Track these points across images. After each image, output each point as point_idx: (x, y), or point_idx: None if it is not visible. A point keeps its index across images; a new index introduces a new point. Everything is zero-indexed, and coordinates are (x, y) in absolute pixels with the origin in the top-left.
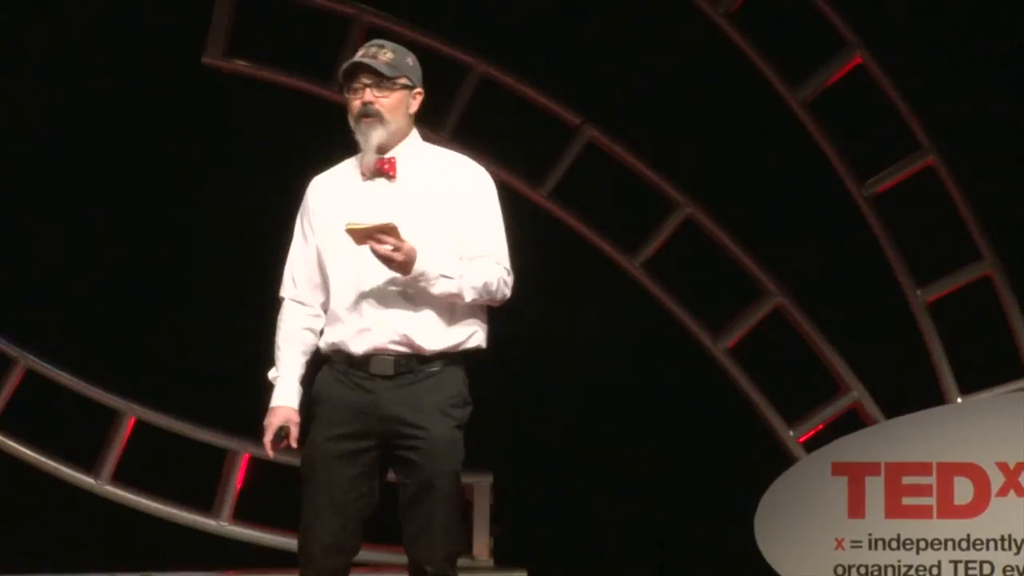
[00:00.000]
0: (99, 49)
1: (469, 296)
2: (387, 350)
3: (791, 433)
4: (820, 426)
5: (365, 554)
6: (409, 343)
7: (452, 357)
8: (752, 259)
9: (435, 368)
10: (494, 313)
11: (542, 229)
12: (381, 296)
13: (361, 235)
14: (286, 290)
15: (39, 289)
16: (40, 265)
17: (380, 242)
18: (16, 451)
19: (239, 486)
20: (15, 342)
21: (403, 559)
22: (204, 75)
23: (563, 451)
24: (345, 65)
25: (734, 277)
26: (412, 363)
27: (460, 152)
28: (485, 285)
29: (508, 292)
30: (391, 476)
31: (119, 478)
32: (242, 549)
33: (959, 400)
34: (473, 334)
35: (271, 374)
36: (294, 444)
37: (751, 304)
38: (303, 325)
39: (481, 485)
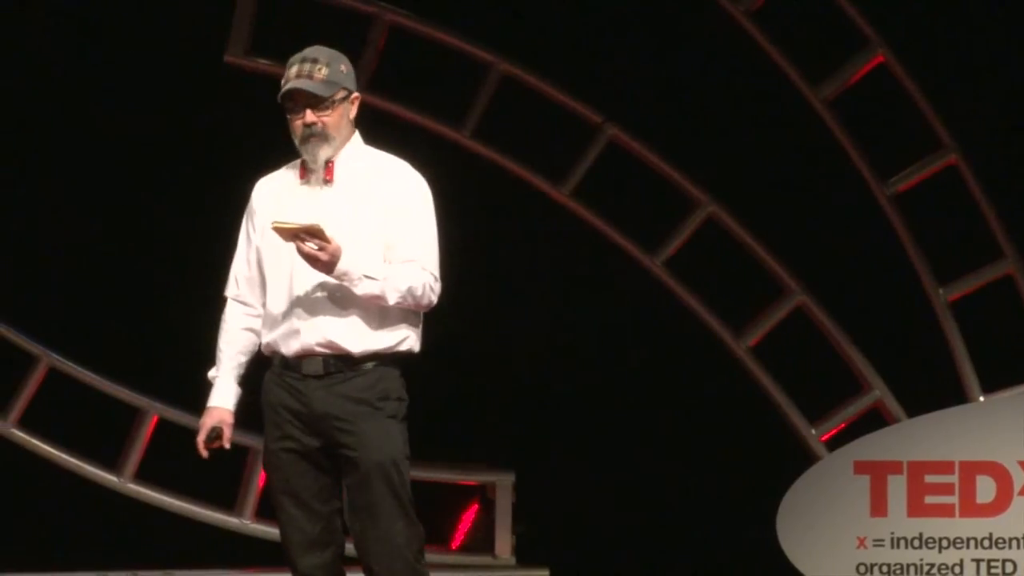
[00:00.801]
0: (123, 48)
1: (393, 298)
2: (315, 352)
3: (813, 432)
4: (842, 425)
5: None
6: (334, 346)
7: (383, 359)
8: (774, 257)
9: (366, 368)
10: (519, 312)
11: (563, 228)
12: (311, 298)
13: (287, 234)
14: (229, 289)
15: (62, 287)
16: (63, 263)
17: (305, 242)
18: (39, 449)
19: (261, 484)
20: (38, 340)
21: None
22: (226, 73)
23: (584, 450)
24: (282, 91)
25: (756, 276)
26: (341, 364)
27: (481, 151)
28: (410, 289)
29: (435, 298)
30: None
31: (142, 476)
32: (264, 547)
33: (981, 399)
34: (404, 339)
35: (210, 374)
36: (227, 444)
37: (773, 303)
38: (243, 325)
39: (503, 484)
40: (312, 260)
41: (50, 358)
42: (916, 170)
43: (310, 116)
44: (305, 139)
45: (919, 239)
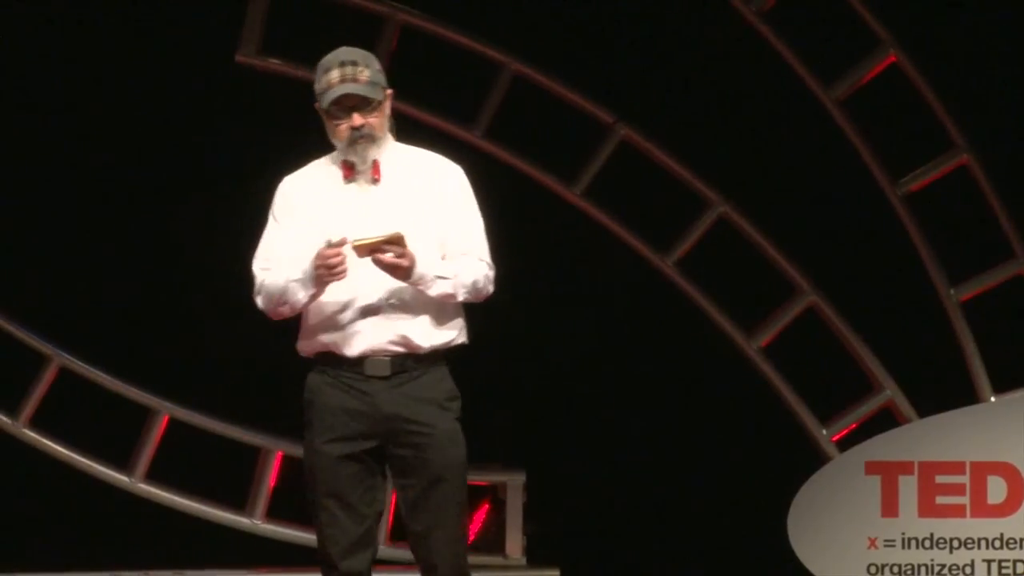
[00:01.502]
0: (134, 48)
1: (462, 295)
2: (384, 351)
3: (824, 432)
4: (853, 425)
5: (393, 552)
6: (406, 343)
7: (441, 355)
8: (785, 258)
9: (428, 366)
10: (531, 313)
11: (575, 228)
12: (376, 298)
13: (365, 250)
14: (260, 272)
15: (73, 287)
16: (73, 263)
17: (384, 251)
18: (50, 449)
19: (272, 484)
20: (49, 340)
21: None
22: (238, 72)
23: (596, 450)
24: (334, 96)
25: (767, 276)
26: (407, 362)
27: (493, 152)
28: (474, 283)
29: (491, 288)
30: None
31: (152, 476)
32: (275, 547)
33: (992, 399)
34: (460, 331)
35: (289, 279)
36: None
37: (784, 303)
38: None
39: (514, 484)
40: (392, 269)
41: (61, 358)
42: (928, 170)
43: (358, 119)
44: (353, 141)
45: (931, 239)
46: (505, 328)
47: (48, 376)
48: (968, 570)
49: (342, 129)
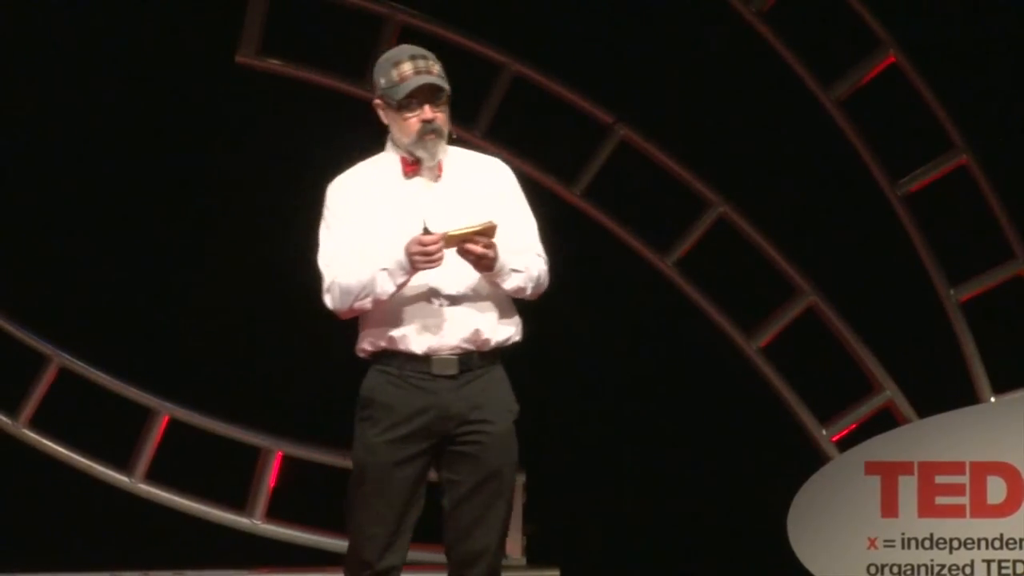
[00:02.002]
0: (135, 48)
1: (530, 289)
2: (452, 347)
3: (824, 432)
4: (853, 425)
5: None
6: (475, 338)
7: (500, 352)
8: (785, 258)
9: (491, 364)
10: (526, 311)
11: (575, 228)
12: (449, 293)
13: (456, 240)
14: (332, 270)
15: (73, 287)
16: (73, 263)
17: (475, 243)
18: (50, 449)
19: (272, 484)
20: (49, 340)
21: (423, 557)
22: (237, 73)
23: (595, 450)
24: (409, 86)
25: (767, 276)
26: (472, 360)
27: (493, 152)
28: (538, 277)
29: (547, 283)
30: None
31: (153, 476)
32: (275, 548)
33: (992, 399)
34: (519, 328)
35: (377, 268)
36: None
37: (784, 303)
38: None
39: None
40: (478, 259)
41: (61, 358)
42: (927, 171)
43: (429, 112)
44: (422, 135)
45: (930, 240)
46: None
47: (48, 376)
48: (968, 570)
49: (412, 123)
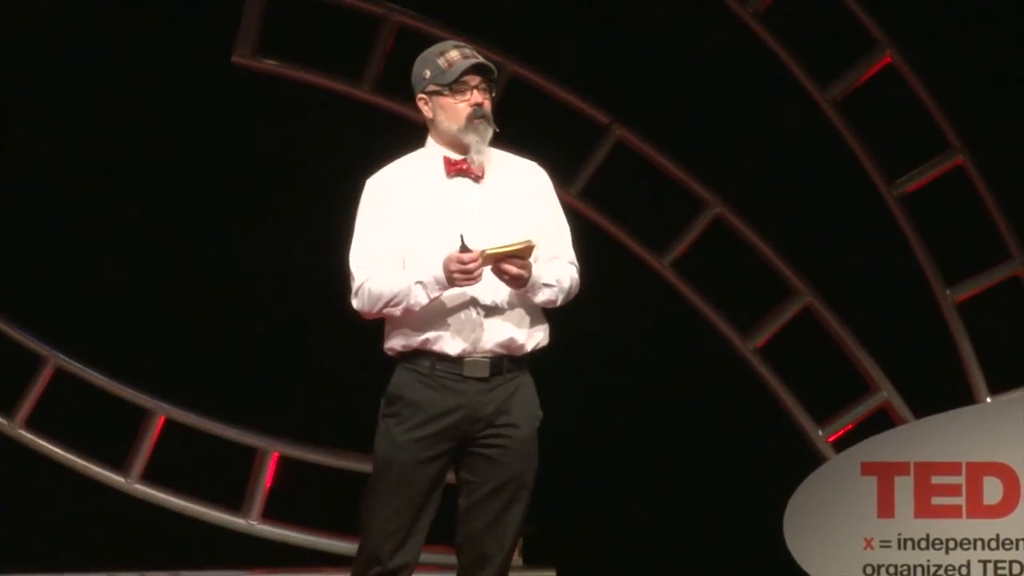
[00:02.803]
0: (131, 48)
1: (561, 300)
2: (485, 351)
3: (820, 433)
4: (849, 426)
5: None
6: (509, 344)
7: (530, 358)
8: (781, 258)
9: (520, 370)
10: None
11: (571, 229)
12: (482, 298)
13: (493, 259)
14: (363, 272)
15: (69, 288)
16: (70, 264)
17: (510, 262)
18: (46, 450)
19: (268, 485)
20: (45, 341)
21: (443, 560)
22: (234, 74)
23: (591, 450)
24: (461, 67)
25: (763, 276)
26: (503, 364)
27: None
28: (569, 287)
29: (577, 290)
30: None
31: (149, 477)
32: (271, 548)
33: (988, 400)
34: (546, 334)
35: (412, 281)
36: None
37: (780, 303)
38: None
39: None
40: (513, 278)
41: (57, 359)
42: (924, 171)
43: (478, 96)
44: (472, 118)
45: (926, 240)
46: None
47: (44, 377)
48: (964, 571)
49: (459, 109)
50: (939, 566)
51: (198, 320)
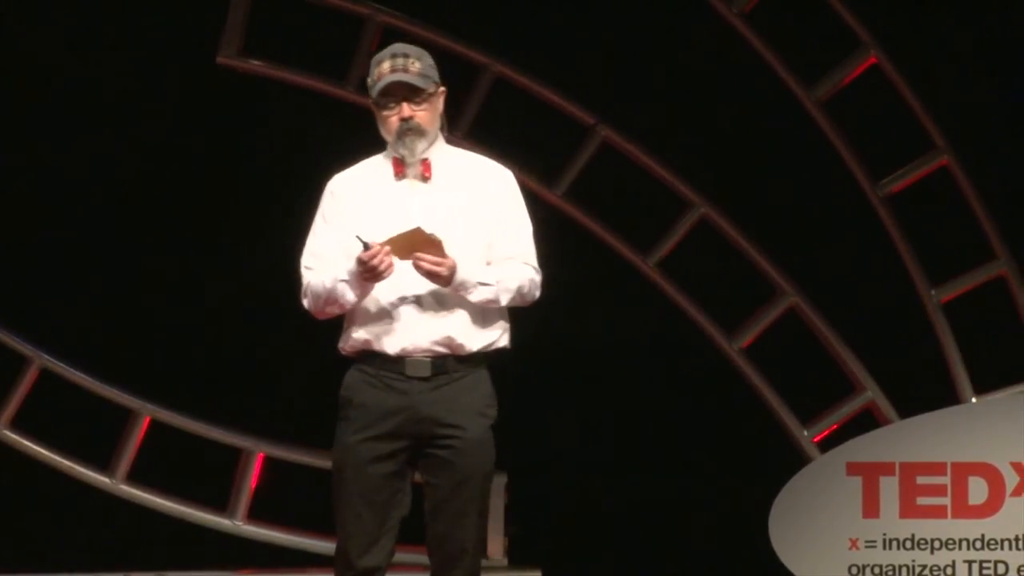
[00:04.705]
0: (116, 48)
1: (505, 300)
2: (425, 350)
3: (805, 433)
4: (835, 426)
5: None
6: (449, 343)
7: (482, 357)
8: (766, 259)
9: (469, 369)
10: (512, 314)
11: (556, 229)
12: (419, 297)
13: (402, 250)
14: (308, 271)
15: (54, 289)
16: (54, 265)
17: (421, 258)
18: (31, 450)
19: (254, 486)
20: (30, 341)
21: (405, 558)
22: (219, 74)
23: (577, 450)
24: (381, 85)
25: (748, 277)
26: (448, 364)
27: (476, 152)
28: (519, 288)
29: (538, 293)
30: (417, 477)
31: (134, 478)
32: (257, 549)
33: (974, 400)
34: (502, 334)
35: (337, 279)
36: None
37: (765, 304)
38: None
39: (495, 484)
40: (431, 276)
41: (42, 359)
42: (909, 171)
43: (407, 110)
44: (402, 133)
45: (911, 240)
46: None
47: (29, 377)
48: (949, 571)
49: (392, 121)
50: (924, 566)
51: (183, 320)
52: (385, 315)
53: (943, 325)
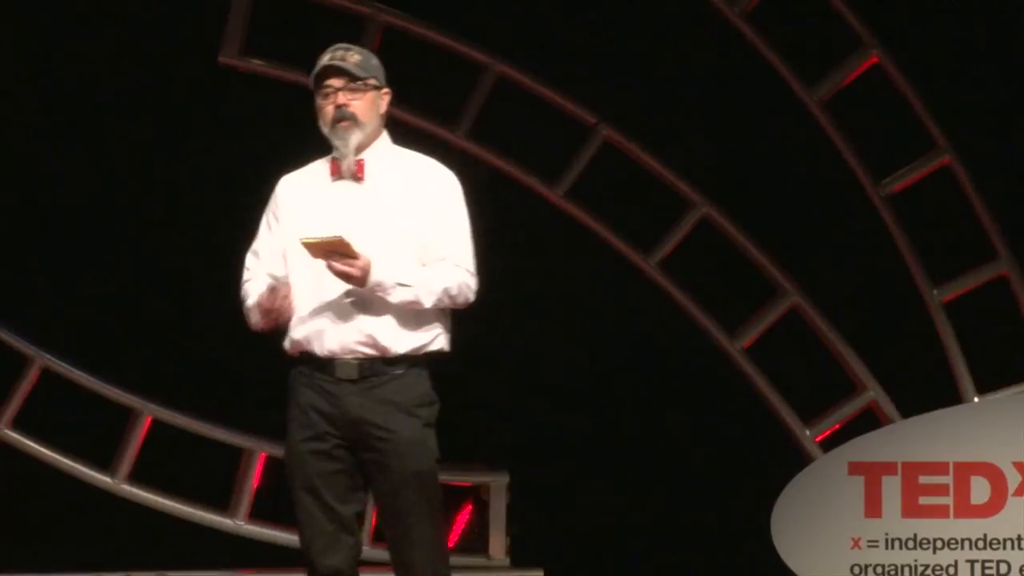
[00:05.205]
0: (117, 48)
1: (429, 302)
2: (352, 352)
3: (807, 432)
4: (837, 425)
5: (375, 553)
6: (374, 344)
7: (416, 360)
8: (768, 258)
9: (400, 371)
10: (515, 313)
11: (558, 229)
12: (346, 297)
13: (316, 250)
14: (248, 273)
15: (55, 288)
16: (56, 264)
17: (333, 259)
18: (32, 450)
19: (255, 485)
20: (32, 341)
21: None
22: (220, 74)
23: (579, 450)
24: (316, 69)
25: (750, 277)
26: (377, 366)
27: (476, 152)
28: (445, 290)
29: (471, 295)
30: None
31: (135, 477)
32: (258, 548)
33: (976, 399)
34: (436, 337)
35: (249, 302)
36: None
37: (767, 304)
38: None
39: (498, 484)
40: (345, 277)
41: (43, 359)
42: (910, 171)
43: (342, 98)
44: (336, 121)
45: (913, 240)
46: (489, 329)
47: (30, 377)
48: (951, 571)
49: (328, 110)
50: (927, 566)
51: (185, 320)
52: (316, 317)
53: (945, 325)
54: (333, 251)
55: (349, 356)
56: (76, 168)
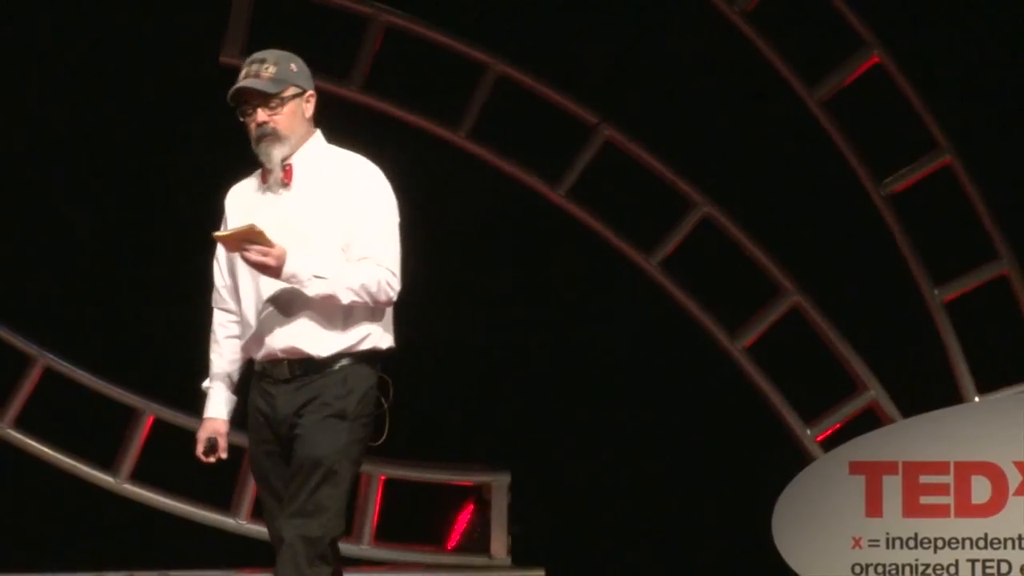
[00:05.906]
0: (118, 48)
1: (346, 297)
2: (279, 357)
3: (808, 432)
4: (837, 425)
5: (377, 552)
6: (296, 351)
7: (350, 358)
8: (769, 258)
9: (333, 369)
10: (516, 314)
11: (560, 228)
12: (274, 304)
13: (232, 244)
14: (214, 299)
15: (57, 288)
16: (59, 264)
17: (248, 249)
18: (35, 450)
19: None
20: (34, 341)
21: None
22: (222, 74)
23: (580, 450)
24: (230, 92)
25: (751, 276)
26: (307, 366)
27: (476, 152)
28: (363, 286)
29: (393, 294)
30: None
31: (138, 477)
32: (260, 548)
33: (976, 399)
34: (366, 336)
35: (204, 385)
36: (223, 455)
37: (768, 303)
38: (229, 333)
39: (499, 484)
40: (260, 267)
41: (46, 358)
42: (911, 171)
43: (261, 115)
44: (258, 140)
45: (914, 239)
46: (490, 329)
47: (33, 377)
48: (952, 570)
49: (251, 127)
50: (927, 565)
51: (186, 319)
52: (251, 326)
53: (946, 324)
54: (247, 241)
55: (283, 357)
56: (76, 168)
